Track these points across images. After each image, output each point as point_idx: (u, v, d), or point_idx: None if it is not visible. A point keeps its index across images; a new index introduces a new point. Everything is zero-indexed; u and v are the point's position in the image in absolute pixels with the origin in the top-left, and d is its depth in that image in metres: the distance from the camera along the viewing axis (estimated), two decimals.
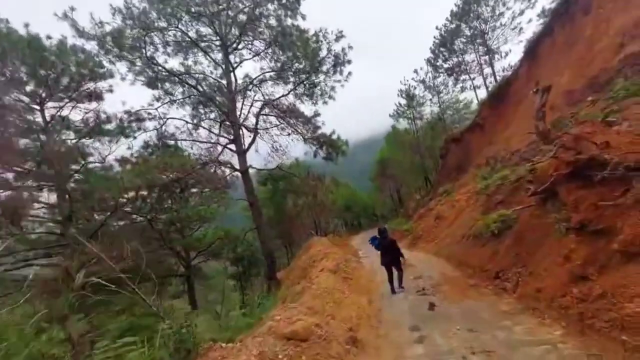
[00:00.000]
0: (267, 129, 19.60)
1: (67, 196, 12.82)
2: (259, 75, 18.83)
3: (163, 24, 15.75)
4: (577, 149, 5.11)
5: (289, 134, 19.35)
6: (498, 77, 27.30)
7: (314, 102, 18.87)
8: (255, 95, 19.45)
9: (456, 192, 19.31)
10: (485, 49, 28.57)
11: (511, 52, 28.08)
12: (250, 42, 18.43)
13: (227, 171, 18.50)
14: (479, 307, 5.75)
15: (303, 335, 4.12)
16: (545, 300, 4.92)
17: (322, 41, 16.94)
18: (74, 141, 14.74)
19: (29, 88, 13.16)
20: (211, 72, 18.56)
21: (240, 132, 18.23)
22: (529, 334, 4.40)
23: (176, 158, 15.23)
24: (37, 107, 13.66)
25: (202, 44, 17.54)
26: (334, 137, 18.94)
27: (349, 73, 17.99)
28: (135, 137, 16.50)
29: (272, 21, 17.29)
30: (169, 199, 19.32)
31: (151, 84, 16.94)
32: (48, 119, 13.85)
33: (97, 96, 15.40)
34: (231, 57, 18.16)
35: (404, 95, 35.17)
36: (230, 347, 3.76)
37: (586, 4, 15.62)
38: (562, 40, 17.16)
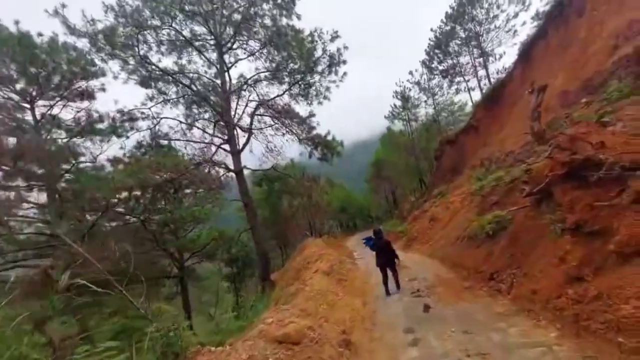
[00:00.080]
0: (262, 129, 19.53)
1: (57, 196, 12.58)
2: (253, 75, 18.78)
3: (156, 23, 15.61)
4: (573, 149, 5.07)
5: (283, 134, 19.29)
6: (492, 79, 27.52)
7: (309, 102, 18.85)
8: (250, 95, 19.40)
9: (450, 193, 19.33)
10: (480, 51, 28.73)
11: (505, 55, 28.32)
12: (245, 42, 18.37)
13: (221, 171, 18.36)
14: (473, 308, 5.69)
15: (295, 338, 4.02)
16: (541, 301, 4.87)
17: (317, 41, 16.93)
18: (64, 140, 14.50)
19: (19, 86, 12.93)
20: (205, 72, 18.48)
21: (235, 132, 18.12)
22: (524, 336, 4.34)
23: (169, 158, 15.05)
24: (27, 106, 13.43)
25: (197, 43, 17.42)
26: (329, 137, 18.93)
27: (344, 73, 18.00)
28: (128, 137, 16.34)
29: (267, 21, 17.26)
30: (163, 199, 19.11)
31: (144, 83, 16.76)
32: (38, 117, 13.62)
33: (88, 95, 15.21)
34: (226, 56, 18.06)
35: (399, 96, 35.28)
36: (220, 351, 3.65)
37: (580, 7, 15.73)
38: (556, 42, 17.27)
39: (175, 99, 17.98)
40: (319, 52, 17.22)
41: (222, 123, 18.18)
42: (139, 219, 17.66)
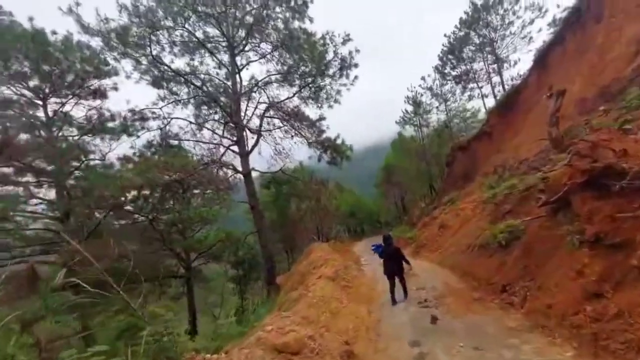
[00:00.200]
0: (271, 131, 19.43)
1: (65, 193, 12.68)
2: (264, 78, 18.74)
3: (170, 23, 15.71)
4: (593, 156, 4.80)
5: (292, 137, 19.15)
6: (506, 86, 26.96)
7: (319, 105, 18.71)
8: (260, 97, 19.34)
9: (461, 200, 18.92)
10: (494, 57, 28.25)
11: (520, 61, 27.79)
12: (257, 44, 18.36)
13: (230, 173, 18.31)
14: (484, 322, 5.42)
15: (295, 348, 3.83)
16: (556, 317, 4.59)
17: (328, 44, 16.79)
18: (75, 138, 14.66)
19: (32, 83, 13.11)
20: (217, 73, 18.52)
21: (244, 134, 18.08)
22: (538, 354, 4.08)
23: (178, 158, 15.06)
24: (40, 103, 13.62)
25: (209, 45, 17.48)
26: (339, 141, 18.72)
27: (356, 77, 17.82)
28: (138, 136, 16.43)
29: (280, 23, 17.22)
30: (171, 199, 19.20)
31: (156, 83, 16.87)
32: (50, 114, 13.79)
33: (101, 94, 15.38)
34: (237, 58, 18.07)
35: (410, 102, 34.93)
36: (215, 359, 3.49)
37: (598, 13, 15.32)
38: (573, 48, 16.84)
39: (186, 100, 18.07)
40: (330, 55, 17.10)
41: (231, 124, 18.18)
42: (147, 218, 17.76)
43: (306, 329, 4.32)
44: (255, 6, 16.91)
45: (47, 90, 13.71)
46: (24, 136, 12.99)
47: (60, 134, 14.50)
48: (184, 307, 21.70)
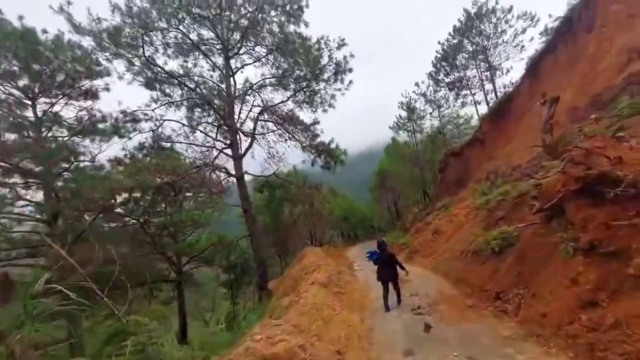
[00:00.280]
0: (265, 134, 19.35)
1: (53, 195, 12.39)
2: (259, 81, 18.68)
3: (164, 25, 15.56)
4: (587, 164, 4.79)
5: (286, 141, 19.09)
6: (499, 94, 27.24)
7: (314, 109, 18.69)
8: (254, 100, 19.26)
9: (454, 206, 18.95)
10: (487, 65, 28.56)
11: (512, 69, 28.12)
12: (251, 48, 18.29)
13: (222, 176, 18.13)
14: (478, 330, 5.34)
15: (284, 359, 3.70)
16: (551, 326, 4.53)
17: (323, 49, 16.80)
18: (65, 139, 14.37)
19: (21, 82, 12.84)
20: (211, 76, 18.40)
21: (237, 137, 17.95)
22: None
23: (169, 160, 14.83)
24: (29, 102, 13.34)
25: (203, 47, 17.36)
26: (333, 145, 18.68)
27: (350, 81, 17.84)
28: (130, 138, 16.19)
29: (275, 27, 17.18)
30: (163, 202, 18.91)
31: (149, 84, 16.67)
32: (39, 114, 13.51)
33: (92, 94, 15.14)
34: (232, 61, 17.99)
35: (404, 107, 35.12)
36: None
37: (589, 23, 15.56)
38: (565, 58, 17.08)
39: (180, 102, 17.89)
40: (325, 60, 17.11)
41: (225, 127, 18.04)
42: (138, 221, 17.45)
43: (297, 338, 4.19)
44: (250, 9, 16.84)
45: (36, 90, 13.45)
46: (11, 136, 12.70)
47: (49, 134, 14.22)
48: (175, 311, 21.36)
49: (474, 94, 30.77)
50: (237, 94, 18.30)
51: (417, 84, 33.69)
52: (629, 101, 9.37)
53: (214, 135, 18.55)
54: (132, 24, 14.41)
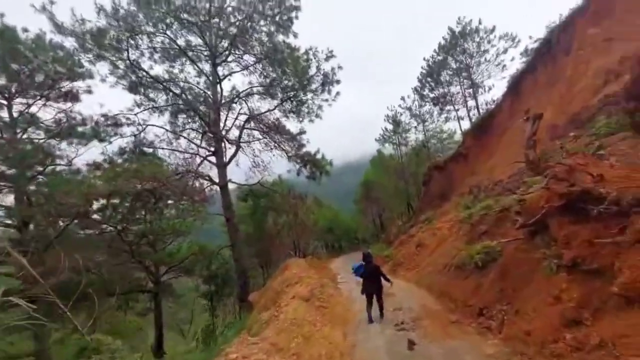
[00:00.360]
0: (250, 142, 19.16)
1: (25, 199, 11.79)
2: (246, 89, 18.54)
3: (150, 29, 15.33)
4: (570, 180, 4.83)
5: (271, 150, 18.92)
6: (481, 110, 27.98)
7: (300, 119, 18.65)
8: (240, 108, 19.08)
9: (438, 220, 19.07)
10: (470, 82, 29.36)
11: (494, 87, 28.99)
12: (240, 56, 18.20)
13: (206, 183, 17.75)
14: (462, 347, 5.25)
15: None
16: (535, 345, 4.47)
17: (312, 59, 16.87)
18: (41, 141, 13.79)
19: None
20: (197, 82, 18.14)
21: (222, 145, 17.68)
22: None
23: (149, 166, 14.38)
24: (5, 102, 12.78)
25: (190, 53, 17.16)
26: (319, 156, 18.61)
27: (338, 93, 17.92)
28: (110, 142, 15.69)
29: (264, 37, 17.18)
30: (142, 209, 18.31)
31: (133, 88, 16.30)
32: (15, 115, 12.95)
33: (73, 96, 14.67)
34: (219, 68, 17.82)
35: (390, 120, 35.59)
36: None
37: (567, 46, 16.20)
38: (544, 79, 17.68)
39: (164, 107, 17.54)
40: (313, 70, 17.17)
41: (210, 134, 17.75)
42: (115, 228, 16.82)
43: (274, 357, 3.98)
44: (239, 18, 16.82)
45: (13, 90, 12.92)
46: None
47: (24, 136, 13.62)
48: (151, 322, 20.54)
49: (458, 110, 31.52)
50: (223, 101, 18.10)
51: (402, 98, 34.28)
52: (605, 120, 9.71)
53: (198, 142, 18.22)
54: (117, 26, 14.12)
